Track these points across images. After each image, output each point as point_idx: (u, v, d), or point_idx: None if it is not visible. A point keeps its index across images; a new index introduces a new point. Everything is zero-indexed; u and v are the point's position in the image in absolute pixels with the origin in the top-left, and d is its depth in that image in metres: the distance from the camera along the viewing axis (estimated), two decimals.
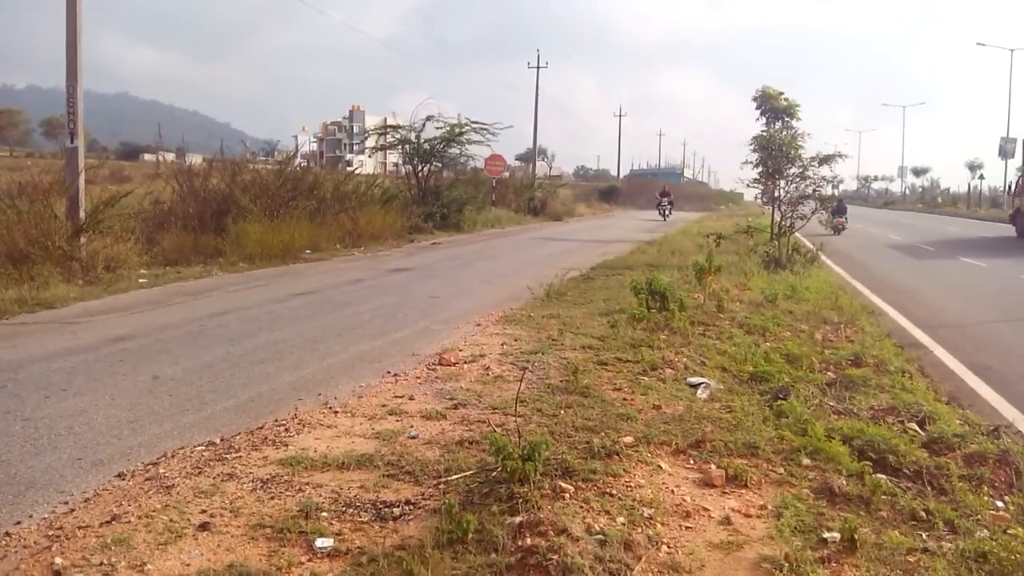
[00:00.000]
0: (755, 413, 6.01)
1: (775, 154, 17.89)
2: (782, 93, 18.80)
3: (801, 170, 17.81)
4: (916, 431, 5.82)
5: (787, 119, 18.56)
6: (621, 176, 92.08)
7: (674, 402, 6.28)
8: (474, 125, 29.22)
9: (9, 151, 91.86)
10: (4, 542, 3.91)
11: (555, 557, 3.45)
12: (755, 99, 18.96)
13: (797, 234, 19.09)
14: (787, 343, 8.69)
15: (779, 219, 18.54)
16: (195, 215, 17.41)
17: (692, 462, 5.00)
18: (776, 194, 18.44)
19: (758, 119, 18.81)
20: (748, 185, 19.45)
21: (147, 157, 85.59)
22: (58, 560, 3.63)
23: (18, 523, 4.14)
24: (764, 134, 18.38)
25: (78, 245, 13.12)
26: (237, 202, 17.69)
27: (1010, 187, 35.71)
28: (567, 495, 4.24)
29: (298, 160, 25.21)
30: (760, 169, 18.35)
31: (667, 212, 45.17)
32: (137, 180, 31.73)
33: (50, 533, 3.98)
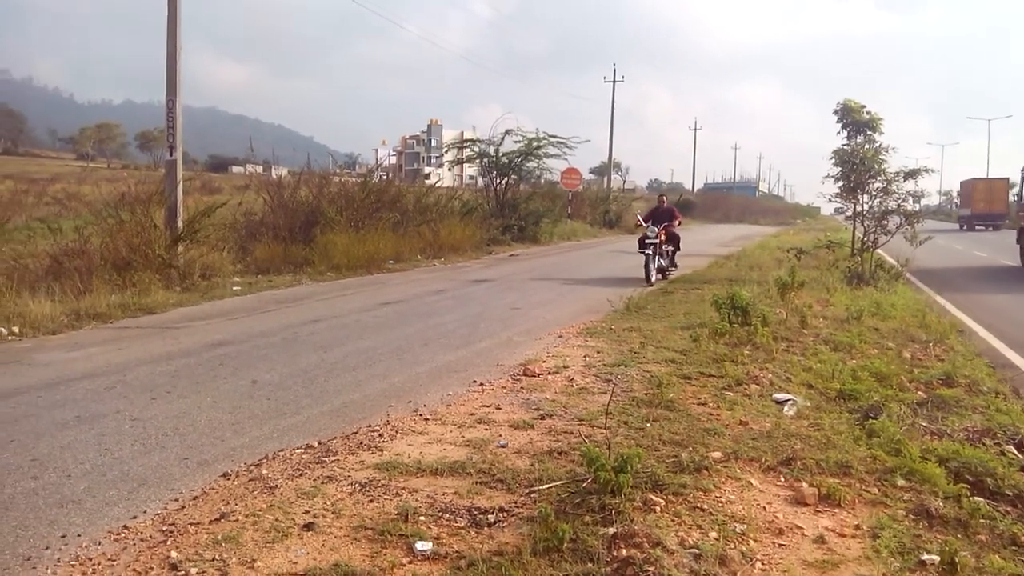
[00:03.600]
0: (845, 432, 5.89)
1: (857, 168, 17.46)
2: (864, 106, 18.34)
3: (884, 184, 17.35)
4: (1014, 454, 5.61)
5: (869, 132, 18.11)
6: (695, 190, 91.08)
7: (761, 418, 6.20)
8: (551, 139, 29.32)
9: (107, 163, 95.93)
10: (123, 535, 4.10)
11: (651, 569, 3.45)
12: (836, 112, 18.53)
13: (879, 250, 18.58)
14: (874, 361, 8.47)
15: (861, 234, 18.09)
16: (285, 226, 17.89)
17: (783, 479, 4.93)
18: (858, 209, 17.99)
19: (839, 132, 18.40)
20: (829, 200, 19.03)
21: (235, 169, 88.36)
22: (173, 554, 3.80)
23: (134, 518, 4.33)
24: (846, 147, 17.97)
25: (176, 253, 13.63)
26: (324, 213, 18.11)
27: (1019, 196, 27.48)
28: (658, 508, 4.23)
29: (379, 173, 25.66)
30: (841, 183, 17.94)
31: (662, 259, 16.75)
32: (227, 192, 32.87)
33: (164, 528, 4.16)
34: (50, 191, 34.44)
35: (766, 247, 27.75)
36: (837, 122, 18.47)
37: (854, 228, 18.87)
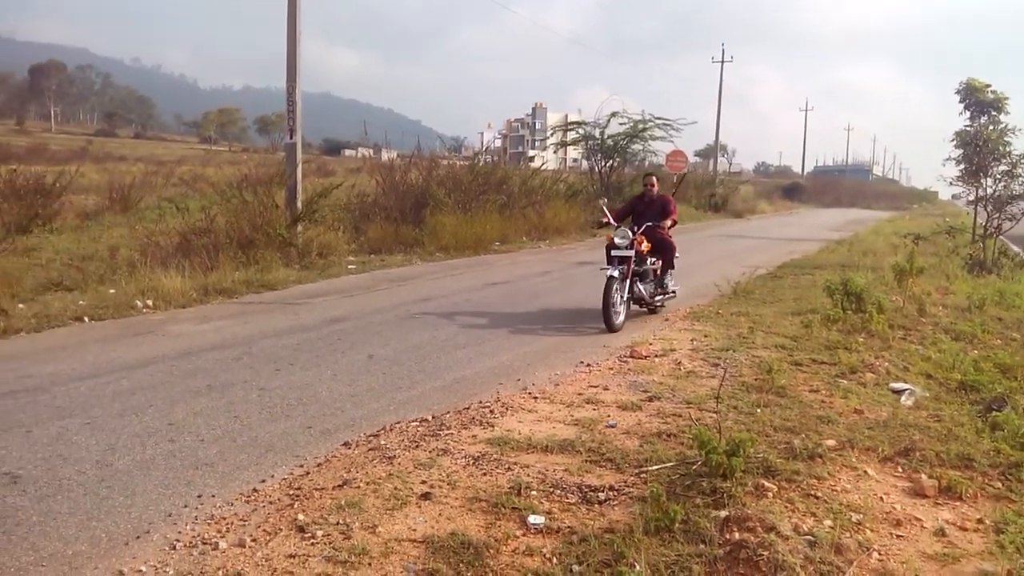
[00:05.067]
0: (967, 424, 5.65)
1: (980, 150, 16.57)
2: (988, 85, 17.37)
3: (1009, 167, 16.39)
4: None
5: (994, 113, 17.14)
6: (805, 173, 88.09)
7: (877, 407, 6.01)
8: (657, 121, 28.88)
9: (228, 146, 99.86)
10: (253, 497, 4.32)
11: (765, 553, 3.41)
12: (959, 92, 17.63)
13: (1002, 237, 17.60)
14: (998, 352, 8.08)
15: (983, 220, 17.17)
16: (396, 207, 18.26)
17: (900, 470, 4.78)
18: (980, 193, 17.06)
19: (961, 113, 17.49)
20: (949, 184, 18.12)
21: (347, 152, 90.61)
22: (300, 517, 3.98)
23: (263, 481, 4.55)
24: (968, 129, 17.07)
25: (295, 233, 14.11)
26: (433, 195, 18.40)
27: None
28: (770, 494, 4.16)
29: (484, 156, 25.86)
30: (963, 166, 17.05)
31: (643, 283, 9.69)
32: (340, 174, 33.77)
33: (291, 492, 4.36)
34: (177, 173, 36.04)
35: (880, 232, 26.69)
36: (960, 102, 17.58)
37: (975, 213, 17.95)
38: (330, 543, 3.68)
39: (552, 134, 33.80)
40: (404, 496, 4.20)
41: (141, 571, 3.49)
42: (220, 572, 3.42)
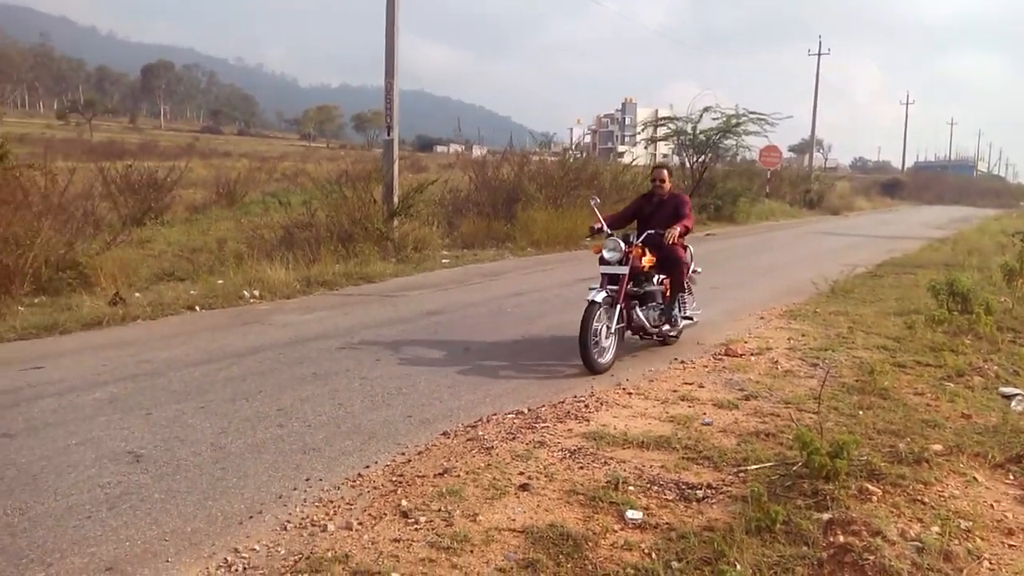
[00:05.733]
0: None
1: None
2: None
3: None
4: None
5: None
6: (905, 168, 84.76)
7: (985, 412, 5.76)
8: (751, 115, 28.23)
9: (326, 142, 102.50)
10: (358, 482, 4.44)
11: (871, 558, 3.33)
12: None
13: None
14: None
15: None
16: (488, 202, 18.43)
17: (1012, 477, 4.57)
18: None
19: None
20: None
21: (439, 149, 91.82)
22: (404, 503, 4.08)
23: (367, 467, 4.68)
24: None
25: (392, 227, 14.39)
26: (525, 191, 18.49)
27: None
28: (875, 498, 4.05)
29: (574, 152, 25.78)
30: None
31: (644, 307, 7.45)
32: (433, 170, 34.20)
33: (393, 478, 4.47)
34: (279, 169, 37.29)
35: (986, 231, 25.46)
36: None
37: None
38: (433, 529, 3.76)
39: (643, 129, 33.41)
40: (503, 486, 4.26)
41: (255, 549, 3.64)
42: (329, 553, 3.53)
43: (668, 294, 7.65)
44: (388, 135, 15.84)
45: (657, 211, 7.72)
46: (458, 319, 9.06)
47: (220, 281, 10.76)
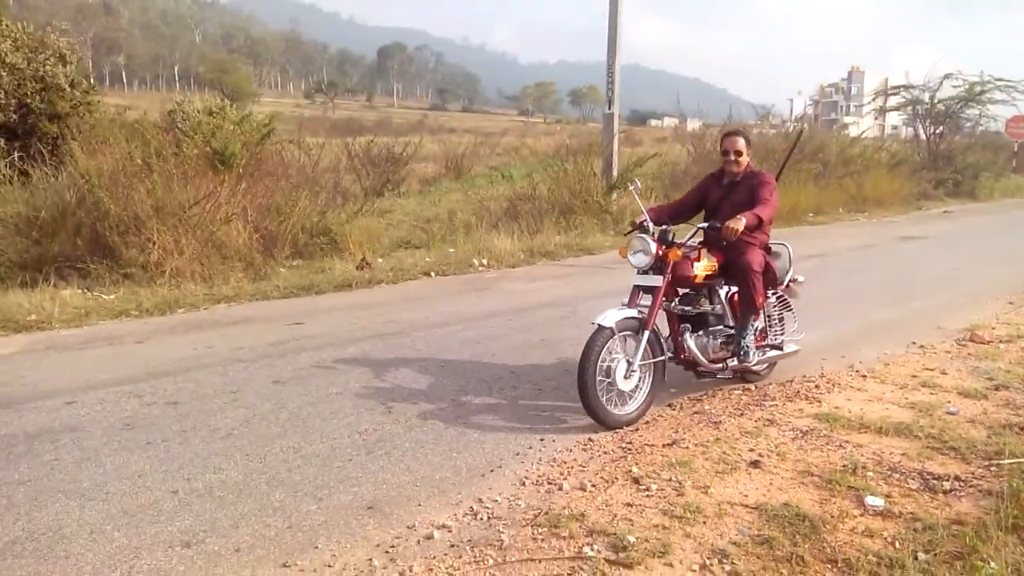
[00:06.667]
0: None
1: None
2: None
3: None
4: None
5: None
6: None
7: None
8: (998, 82, 25.44)
9: (543, 118, 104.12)
10: (589, 446, 4.53)
11: None
12: None
13: None
14: None
15: None
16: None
17: None
18: None
19: None
20: None
21: (652, 123, 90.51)
22: (635, 469, 4.11)
23: (596, 432, 4.75)
24: None
25: (611, 200, 14.41)
26: None
27: None
28: None
29: (795, 123, 24.47)
30: None
31: (705, 334, 5.33)
32: (647, 144, 33.77)
33: (623, 445, 4.52)
34: (501, 144, 38.36)
35: None
36: None
37: None
38: (664, 497, 3.78)
39: (872, 99, 31.08)
40: (733, 461, 4.19)
41: (496, 501, 3.82)
42: (566, 511, 3.64)
43: (739, 315, 5.40)
44: (609, 109, 15.79)
45: (728, 196, 5.49)
46: None
47: (451, 249, 11.29)
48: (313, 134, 29.93)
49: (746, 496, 3.81)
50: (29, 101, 12.24)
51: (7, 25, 12.65)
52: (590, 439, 4.62)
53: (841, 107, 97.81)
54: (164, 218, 9.14)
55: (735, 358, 5.32)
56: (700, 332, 5.31)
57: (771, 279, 5.49)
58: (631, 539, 3.33)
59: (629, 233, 5.47)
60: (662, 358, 5.02)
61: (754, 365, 5.45)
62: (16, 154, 11.29)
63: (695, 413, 5.04)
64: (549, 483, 4.00)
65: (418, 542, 3.40)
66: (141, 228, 9.01)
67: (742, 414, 4.96)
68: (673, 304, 5.23)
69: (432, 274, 9.91)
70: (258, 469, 4.14)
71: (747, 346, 5.30)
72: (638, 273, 5.13)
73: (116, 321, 7.50)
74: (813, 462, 4.19)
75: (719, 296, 5.45)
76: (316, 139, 21.06)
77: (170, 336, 6.97)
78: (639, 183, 5.91)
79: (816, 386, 5.57)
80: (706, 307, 5.41)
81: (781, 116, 34.18)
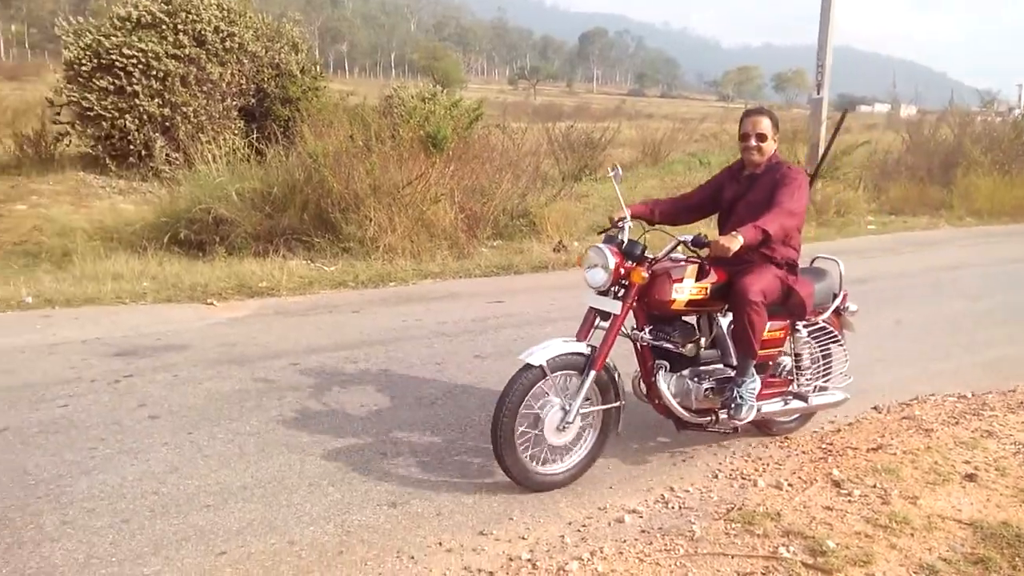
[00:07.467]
0: None
1: None
2: None
3: None
4: None
5: None
6: None
7: None
8: None
9: (744, 103, 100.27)
10: (786, 444, 4.35)
11: None
12: None
13: None
14: None
15: None
16: (921, 166, 16.59)
17: None
18: None
19: None
20: None
21: (862, 108, 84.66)
22: (835, 472, 3.91)
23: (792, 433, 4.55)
24: None
25: (814, 189, 13.64)
26: (967, 154, 16.30)
27: None
28: None
29: (1020, 111, 22.02)
30: None
31: (697, 378, 3.94)
32: (855, 131, 31.66)
33: (823, 445, 4.32)
34: (699, 129, 37.32)
35: None
36: None
37: None
38: (867, 504, 3.56)
39: None
40: (946, 473, 3.88)
41: (688, 491, 3.76)
42: (760, 508, 3.53)
43: (737, 353, 3.93)
44: (818, 93, 14.94)
45: (744, 194, 4.15)
46: (886, 288, 8.30)
47: (647, 235, 11.14)
48: (516, 119, 30.60)
49: (959, 511, 3.52)
50: (266, 86, 13.35)
51: (250, 16, 13.85)
52: (787, 437, 4.44)
53: None
54: (380, 197, 9.68)
55: (725, 409, 3.92)
56: (685, 372, 3.96)
57: (796, 308, 4.02)
58: (831, 544, 3.17)
59: (602, 232, 4.20)
60: (615, 404, 3.82)
61: (746, 421, 3.94)
62: (255, 135, 12.38)
63: (904, 418, 4.70)
64: (743, 478, 3.89)
65: (609, 524, 3.42)
66: (360, 206, 9.60)
67: (957, 423, 4.58)
68: (643, 335, 3.93)
69: None
70: (458, 439, 4.31)
71: (741, 397, 3.86)
72: (596, 293, 4.00)
73: (335, 291, 8.06)
74: None
75: (720, 327, 4.01)
76: (519, 124, 21.52)
77: (382, 307, 7.40)
78: (620, 168, 4.27)
79: None
80: (677, 340, 3.87)
81: (1008, 103, 30.87)
